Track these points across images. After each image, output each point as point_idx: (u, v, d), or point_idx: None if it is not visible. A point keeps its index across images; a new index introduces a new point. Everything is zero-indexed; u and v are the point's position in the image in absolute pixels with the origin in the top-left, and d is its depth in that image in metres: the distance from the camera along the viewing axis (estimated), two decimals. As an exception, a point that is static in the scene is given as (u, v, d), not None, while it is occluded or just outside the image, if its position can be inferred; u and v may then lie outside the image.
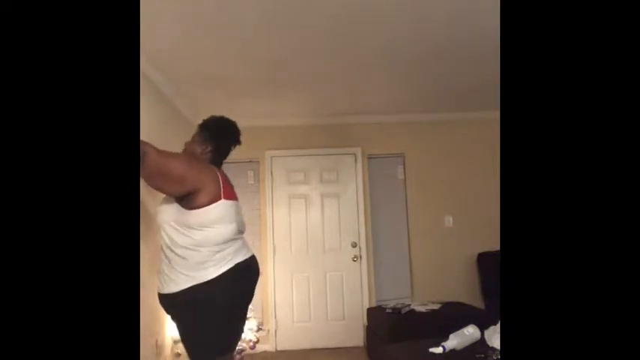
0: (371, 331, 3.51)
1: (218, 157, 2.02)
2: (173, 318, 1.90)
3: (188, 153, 1.95)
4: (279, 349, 4.01)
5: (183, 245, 1.75)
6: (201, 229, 1.75)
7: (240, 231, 1.92)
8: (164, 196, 1.87)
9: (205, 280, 1.73)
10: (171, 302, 1.82)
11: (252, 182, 4.21)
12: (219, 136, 2.02)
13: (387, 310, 3.24)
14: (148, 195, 2.43)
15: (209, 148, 1.97)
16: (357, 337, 4.03)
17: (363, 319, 3.93)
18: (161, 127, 3.05)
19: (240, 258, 1.83)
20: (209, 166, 1.89)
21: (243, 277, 1.86)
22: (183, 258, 1.75)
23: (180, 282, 1.75)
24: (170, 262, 1.79)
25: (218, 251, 1.78)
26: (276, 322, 4.03)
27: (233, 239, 1.85)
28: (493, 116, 4.08)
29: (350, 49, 2.74)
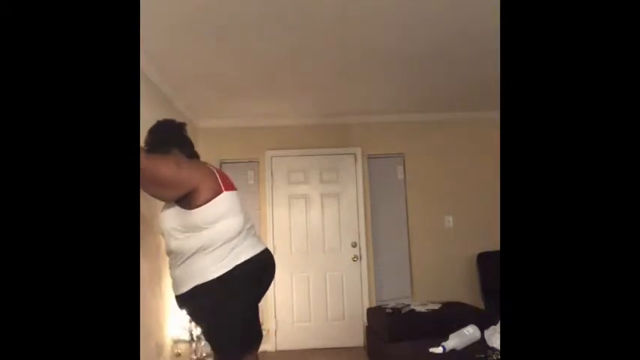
0: (371, 331, 3.50)
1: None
2: (194, 318, 1.88)
3: (177, 156, 1.88)
4: (279, 349, 4.01)
5: (193, 247, 1.72)
6: (209, 227, 1.71)
7: (251, 223, 1.89)
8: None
9: (221, 273, 1.70)
10: (188, 301, 1.79)
11: (252, 182, 4.21)
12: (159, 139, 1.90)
13: (387, 310, 3.23)
14: (144, 199, 2.43)
15: (146, 148, 1.85)
16: (357, 337, 4.03)
17: (363, 319, 3.93)
18: (161, 127, 3.04)
19: (252, 252, 1.79)
20: (200, 162, 1.87)
21: (258, 271, 1.82)
22: (197, 258, 1.72)
23: (194, 279, 1.72)
24: (180, 264, 1.76)
25: (234, 247, 1.74)
26: (276, 322, 4.03)
27: (246, 232, 1.81)
28: (493, 116, 4.08)
29: (350, 50, 2.74)
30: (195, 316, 1.87)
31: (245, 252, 1.77)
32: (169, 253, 1.83)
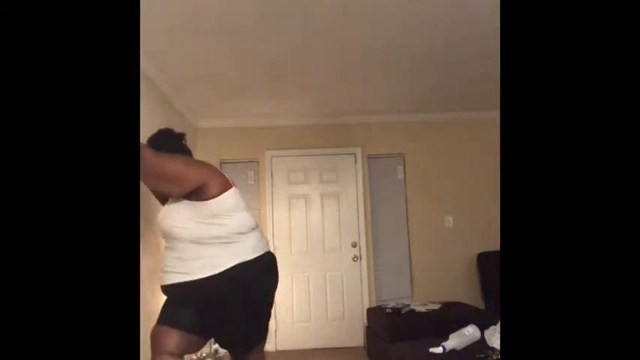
0: (371, 331, 3.50)
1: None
2: (204, 306, 1.77)
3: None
4: (279, 349, 4.01)
5: (214, 236, 1.70)
6: (231, 215, 1.74)
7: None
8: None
9: (247, 259, 1.72)
10: (202, 289, 1.70)
11: (252, 182, 4.21)
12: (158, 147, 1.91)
13: (387, 310, 3.23)
14: (144, 196, 2.43)
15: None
16: (357, 337, 4.03)
17: (363, 319, 3.93)
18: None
19: (267, 248, 1.87)
20: (206, 161, 1.89)
21: (273, 265, 1.87)
22: (220, 245, 1.72)
23: (216, 265, 1.69)
24: (193, 251, 1.71)
25: (261, 236, 1.83)
26: (276, 322, 4.03)
27: (257, 228, 1.86)
28: (493, 116, 4.08)
29: (350, 49, 2.74)
30: (207, 303, 1.75)
31: (266, 245, 1.86)
32: (178, 242, 1.75)
